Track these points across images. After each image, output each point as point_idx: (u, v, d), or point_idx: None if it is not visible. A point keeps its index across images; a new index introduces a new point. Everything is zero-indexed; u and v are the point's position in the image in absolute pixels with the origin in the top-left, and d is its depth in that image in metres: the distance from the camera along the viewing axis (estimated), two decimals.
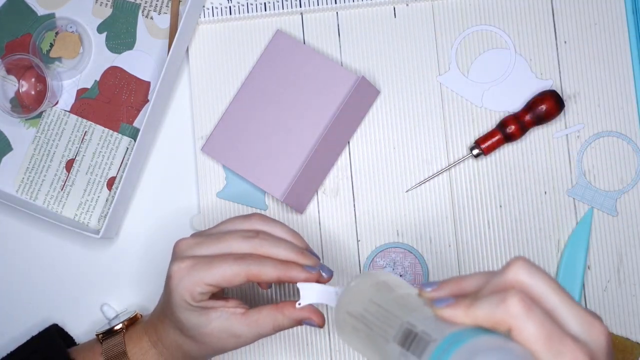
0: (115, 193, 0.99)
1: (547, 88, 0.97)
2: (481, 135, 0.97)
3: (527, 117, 0.95)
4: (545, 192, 0.97)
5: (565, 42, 0.98)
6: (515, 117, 0.96)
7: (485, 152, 0.96)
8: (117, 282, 1.01)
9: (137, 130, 1.00)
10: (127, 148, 1.00)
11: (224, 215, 0.99)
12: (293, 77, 0.97)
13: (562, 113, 0.96)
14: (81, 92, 1.02)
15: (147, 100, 1.00)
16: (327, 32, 1.00)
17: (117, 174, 1.00)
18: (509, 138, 0.96)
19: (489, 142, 0.96)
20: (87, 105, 1.01)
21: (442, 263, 0.97)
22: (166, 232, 1.00)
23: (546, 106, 0.95)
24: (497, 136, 0.96)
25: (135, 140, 0.99)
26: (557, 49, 0.98)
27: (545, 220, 0.96)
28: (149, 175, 1.01)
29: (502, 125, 0.96)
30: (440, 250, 0.97)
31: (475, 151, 0.96)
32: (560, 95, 0.96)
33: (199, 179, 0.99)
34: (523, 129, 0.95)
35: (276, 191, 0.95)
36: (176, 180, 1.01)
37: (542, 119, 0.95)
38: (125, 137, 1.00)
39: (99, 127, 1.00)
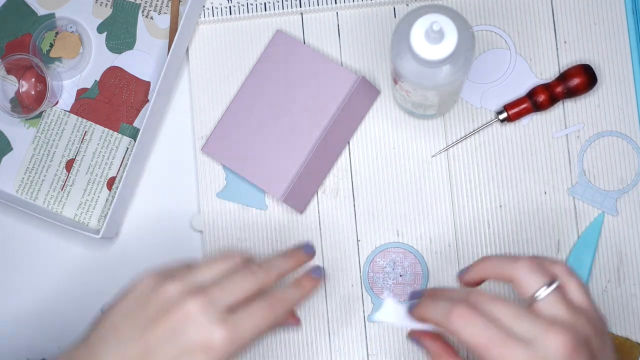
0: (115, 193, 0.98)
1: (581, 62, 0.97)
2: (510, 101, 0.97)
3: (559, 89, 0.94)
4: (545, 192, 0.97)
5: (565, 42, 0.98)
6: (546, 87, 0.95)
7: (512, 118, 0.96)
8: (117, 282, 0.97)
9: (137, 130, 1.00)
10: (127, 148, 1.00)
11: (224, 215, 0.99)
12: (293, 77, 0.96)
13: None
14: (81, 92, 1.01)
15: (147, 100, 1.00)
16: (327, 32, 1.00)
17: (117, 174, 1.00)
18: (538, 107, 0.95)
19: (517, 109, 0.95)
20: (87, 105, 1.01)
21: (442, 263, 0.97)
22: (166, 232, 1.00)
23: (579, 79, 0.94)
24: (525, 104, 0.95)
25: (135, 140, 0.99)
26: (557, 49, 0.98)
27: (545, 220, 0.96)
28: (149, 175, 1.01)
29: (532, 94, 0.95)
30: (440, 250, 0.97)
31: (502, 115, 0.95)
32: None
33: (199, 179, 0.99)
34: (553, 100, 0.95)
35: (276, 191, 0.95)
36: (176, 181, 1.01)
37: (572, 92, 0.95)
38: (125, 137, 1.00)
39: (99, 127, 1.00)
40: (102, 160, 1.00)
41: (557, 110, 0.97)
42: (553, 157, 0.97)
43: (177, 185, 1.00)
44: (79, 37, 1.00)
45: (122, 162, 1.00)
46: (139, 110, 1.00)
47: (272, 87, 0.97)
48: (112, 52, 1.01)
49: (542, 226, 0.96)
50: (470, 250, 0.96)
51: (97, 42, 1.01)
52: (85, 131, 1.00)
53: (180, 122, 1.01)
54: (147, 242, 1.00)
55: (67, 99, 1.01)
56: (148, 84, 1.01)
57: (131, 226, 1.00)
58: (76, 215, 1.00)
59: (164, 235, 1.00)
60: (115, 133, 1.00)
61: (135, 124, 1.00)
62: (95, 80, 1.01)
